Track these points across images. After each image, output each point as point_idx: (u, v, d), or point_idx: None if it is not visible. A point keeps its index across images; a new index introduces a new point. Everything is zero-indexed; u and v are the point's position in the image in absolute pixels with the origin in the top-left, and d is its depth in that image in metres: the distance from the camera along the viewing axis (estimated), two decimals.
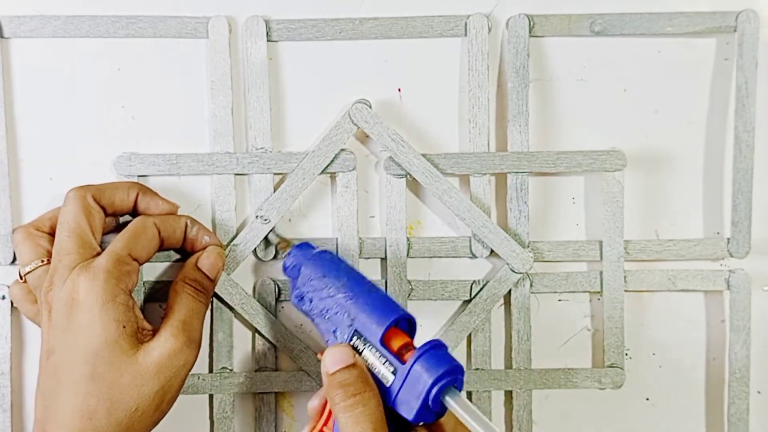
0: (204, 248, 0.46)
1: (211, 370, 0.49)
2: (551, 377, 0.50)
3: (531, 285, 0.49)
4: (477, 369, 0.50)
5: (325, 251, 0.44)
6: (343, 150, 0.48)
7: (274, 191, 0.48)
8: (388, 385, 0.38)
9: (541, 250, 0.50)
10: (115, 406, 0.40)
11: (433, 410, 0.37)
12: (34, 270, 0.44)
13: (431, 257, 0.50)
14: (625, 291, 0.49)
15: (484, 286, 0.49)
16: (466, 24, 0.48)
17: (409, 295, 0.49)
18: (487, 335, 0.50)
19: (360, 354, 0.39)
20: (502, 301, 0.50)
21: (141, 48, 0.48)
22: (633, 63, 0.49)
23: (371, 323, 0.39)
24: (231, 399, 0.49)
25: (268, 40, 0.48)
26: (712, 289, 0.50)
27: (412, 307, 0.50)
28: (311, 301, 0.42)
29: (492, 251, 0.49)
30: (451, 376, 0.37)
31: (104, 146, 0.49)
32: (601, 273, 0.49)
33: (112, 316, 0.40)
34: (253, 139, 0.48)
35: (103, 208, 0.44)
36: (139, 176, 0.48)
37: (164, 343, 0.41)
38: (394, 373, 0.38)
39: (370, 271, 0.50)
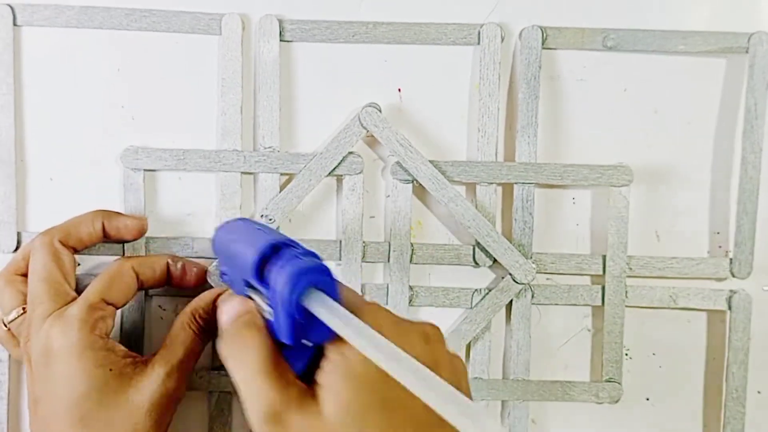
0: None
1: (211, 368, 0.49)
2: (548, 389, 0.50)
3: (533, 296, 0.50)
4: (475, 378, 0.50)
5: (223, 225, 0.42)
6: (351, 153, 0.48)
7: (280, 191, 0.48)
8: (272, 318, 0.35)
9: (544, 261, 0.50)
10: None
11: (308, 323, 0.33)
12: (15, 318, 0.44)
13: (434, 264, 0.50)
14: (626, 306, 0.49)
15: (486, 295, 0.49)
16: (479, 33, 0.48)
17: (411, 300, 0.49)
18: (486, 344, 0.50)
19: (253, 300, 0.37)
20: (503, 310, 0.50)
21: (152, 42, 0.48)
22: (639, 75, 0.49)
23: (246, 264, 0.36)
24: (229, 397, 0.49)
25: (280, 40, 0.48)
26: (713, 308, 0.50)
27: (413, 313, 0.50)
28: (224, 274, 0.40)
29: (495, 260, 0.49)
30: (307, 277, 0.32)
31: (110, 142, 0.49)
32: (603, 287, 0.50)
33: (93, 363, 0.39)
34: (262, 138, 0.48)
35: (74, 248, 0.44)
36: (145, 170, 0.48)
37: (157, 383, 0.40)
38: (270, 304, 0.35)
39: (373, 275, 0.50)
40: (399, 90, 0.49)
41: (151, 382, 0.40)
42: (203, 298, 0.44)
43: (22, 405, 0.49)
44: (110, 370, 0.40)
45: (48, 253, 0.43)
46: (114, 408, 0.39)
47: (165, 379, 0.41)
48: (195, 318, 0.43)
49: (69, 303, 0.42)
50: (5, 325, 0.44)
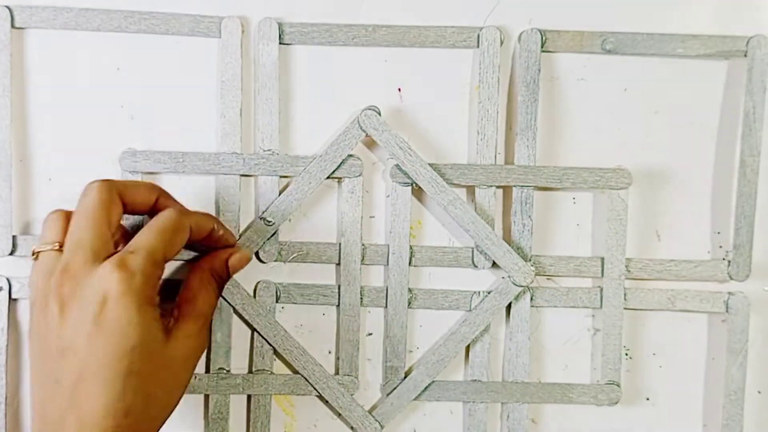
0: (231, 245, 0.47)
1: (207, 370, 0.49)
2: (548, 392, 0.50)
3: (532, 298, 0.50)
4: (474, 380, 0.50)
5: None
6: (350, 156, 0.48)
7: (280, 194, 0.48)
8: None
9: (543, 264, 0.50)
10: (152, 401, 0.39)
11: None
12: (47, 251, 0.41)
13: (433, 266, 0.50)
14: (625, 309, 0.49)
15: (485, 297, 0.49)
16: (478, 36, 0.48)
17: (410, 303, 0.49)
18: (485, 347, 0.50)
19: None
20: (503, 312, 0.50)
21: (151, 44, 0.48)
22: (640, 77, 0.50)
23: None
24: (227, 400, 0.49)
25: (280, 43, 0.48)
26: (711, 311, 0.50)
27: (412, 315, 0.50)
28: None
29: (494, 263, 0.49)
30: None
31: (109, 144, 0.49)
32: (601, 290, 0.50)
33: (151, 316, 0.39)
34: (261, 141, 0.48)
35: (124, 205, 0.42)
36: (143, 173, 0.48)
37: (191, 336, 0.42)
38: None
39: (373, 278, 0.50)
40: (399, 89, 0.49)
41: (186, 336, 0.42)
42: (219, 257, 0.46)
43: (22, 413, 0.49)
44: (159, 324, 0.40)
45: (104, 199, 0.41)
46: (159, 361, 0.39)
47: (198, 333, 0.42)
48: (214, 276, 0.45)
49: (112, 255, 0.39)
50: (33, 254, 0.42)
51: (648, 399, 0.51)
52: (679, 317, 0.51)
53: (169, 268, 0.49)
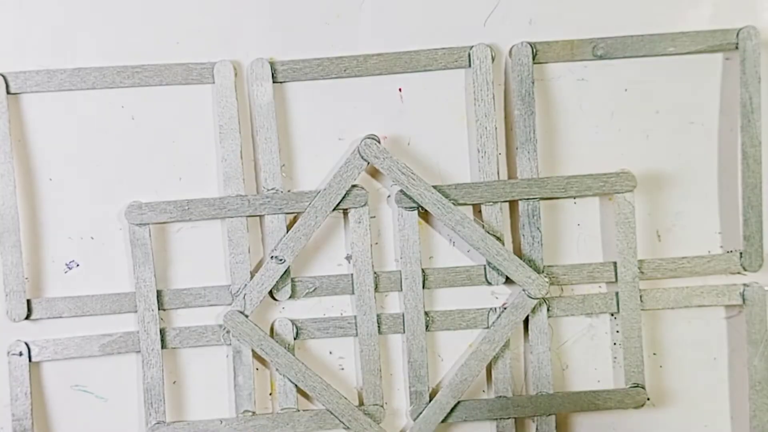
0: None
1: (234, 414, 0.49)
2: (574, 401, 0.50)
3: (548, 309, 0.50)
4: (500, 397, 0.50)
5: None
6: (354, 186, 0.48)
7: (288, 231, 0.48)
8: None
9: (556, 274, 0.50)
10: None
11: None
12: None
13: (447, 287, 0.50)
14: (642, 310, 0.49)
15: (502, 313, 0.49)
16: (469, 55, 0.48)
17: (428, 326, 0.49)
18: (507, 362, 0.50)
19: None
20: (521, 326, 0.50)
21: (146, 97, 0.48)
22: (638, 77, 0.50)
23: None
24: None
25: (273, 82, 0.48)
26: (728, 303, 0.50)
27: (430, 338, 0.50)
28: None
29: (508, 278, 0.49)
30: None
31: (113, 198, 0.49)
32: (617, 294, 0.50)
33: None
34: (264, 181, 0.48)
35: None
36: (151, 224, 0.48)
37: None
38: None
39: (388, 304, 0.50)
40: (399, 90, 0.49)
41: None
42: None
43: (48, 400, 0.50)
44: None
45: None
46: None
47: None
48: None
49: None
50: None
51: (648, 399, 0.51)
52: (698, 315, 0.51)
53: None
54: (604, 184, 0.49)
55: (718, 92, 0.50)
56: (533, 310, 0.49)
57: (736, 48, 0.48)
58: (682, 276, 0.50)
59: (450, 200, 0.48)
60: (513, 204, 0.50)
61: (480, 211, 0.49)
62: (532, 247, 0.49)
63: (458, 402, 0.49)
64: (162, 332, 0.49)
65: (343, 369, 0.50)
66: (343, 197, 0.48)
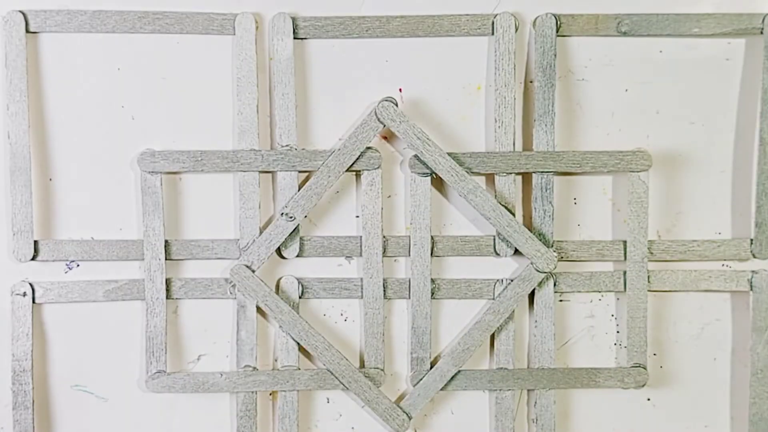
0: None
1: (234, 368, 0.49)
2: (574, 377, 0.50)
3: (555, 284, 0.49)
4: (500, 368, 0.50)
5: None
6: (368, 148, 0.48)
7: (299, 189, 0.48)
8: None
9: (566, 249, 0.50)
10: None
11: None
12: None
13: (455, 256, 0.50)
14: (649, 291, 0.49)
15: (508, 285, 0.49)
16: (493, 23, 0.48)
17: (434, 293, 0.49)
18: (510, 334, 0.50)
19: None
20: (526, 299, 0.50)
21: (166, 44, 0.48)
22: (661, 58, 0.49)
23: None
24: (254, 397, 0.49)
25: (294, 38, 0.48)
26: (735, 289, 0.50)
27: (435, 306, 0.50)
28: None
29: (516, 250, 0.49)
30: None
31: (126, 145, 0.49)
32: (624, 273, 0.50)
33: None
34: (279, 137, 0.48)
35: None
36: (163, 173, 0.48)
37: None
38: None
39: (395, 269, 0.50)
40: (400, 90, 0.49)
41: None
42: None
43: (51, 416, 0.49)
44: None
45: None
46: None
47: None
48: None
49: None
50: None
51: (648, 399, 0.51)
52: (705, 299, 0.51)
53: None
54: (620, 162, 0.48)
55: (739, 75, 0.49)
56: (540, 284, 0.49)
57: (761, 33, 0.48)
58: (691, 259, 0.50)
59: (464, 168, 0.48)
60: (526, 177, 0.50)
61: (493, 182, 0.49)
62: (543, 220, 0.49)
63: (459, 371, 0.49)
64: (167, 282, 0.48)
65: (345, 323, 0.50)
66: (357, 158, 0.48)
